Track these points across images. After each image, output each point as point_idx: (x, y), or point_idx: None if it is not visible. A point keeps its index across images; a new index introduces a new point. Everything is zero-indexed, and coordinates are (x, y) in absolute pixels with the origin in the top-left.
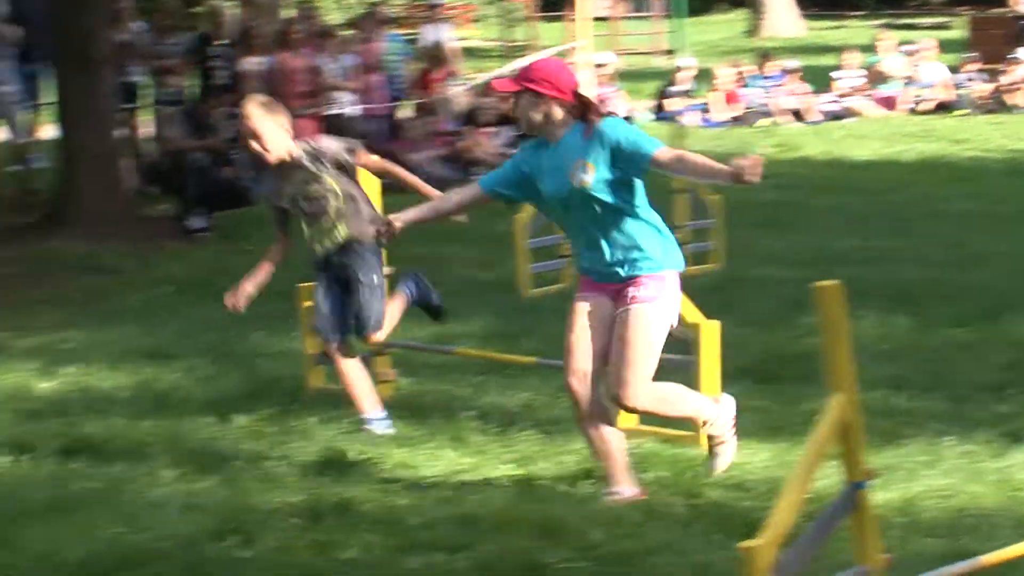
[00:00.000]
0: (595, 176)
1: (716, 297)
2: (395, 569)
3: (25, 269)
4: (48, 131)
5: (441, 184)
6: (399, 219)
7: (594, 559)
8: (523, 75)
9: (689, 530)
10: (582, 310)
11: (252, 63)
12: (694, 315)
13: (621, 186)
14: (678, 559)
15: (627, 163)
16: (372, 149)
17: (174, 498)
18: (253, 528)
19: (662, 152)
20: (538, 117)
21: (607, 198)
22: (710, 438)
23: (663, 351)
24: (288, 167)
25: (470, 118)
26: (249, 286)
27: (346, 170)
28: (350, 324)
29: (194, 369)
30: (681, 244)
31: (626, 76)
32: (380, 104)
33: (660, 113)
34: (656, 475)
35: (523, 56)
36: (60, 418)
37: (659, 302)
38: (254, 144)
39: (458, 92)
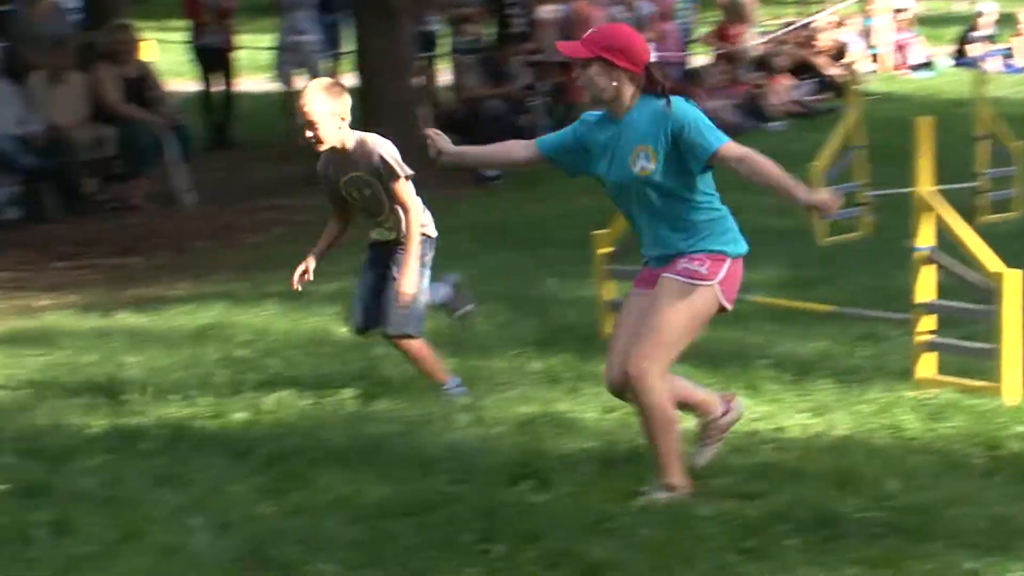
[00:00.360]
0: (656, 165)
1: (1018, 244)
2: (687, 516)
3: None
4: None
5: (731, 131)
6: (446, 153)
7: (889, 510)
8: (595, 41)
9: (988, 482)
10: (627, 306)
11: (548, 11)
12: (995, 264)
13: (683, 173)
14: (977, 511)
15: (687, 151)
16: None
17: (470, 442)
18: (548, 473)
19: (727, 148)
20: (608, 90)
21: (668, 185)
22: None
23: (962, 302)
24: (341, 154)
25: (764, 64)
26: (312, 260)
27: (385, 177)
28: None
29: (492, 315)
30: (982, 192)
31: (926, 21)
32: (675, 53)
33: (961, 59)
34: (954, 425)
35: (821, 6)
36: (359, 361)
37: (706, 284)
38: (308, 131)
39: (754, 41)
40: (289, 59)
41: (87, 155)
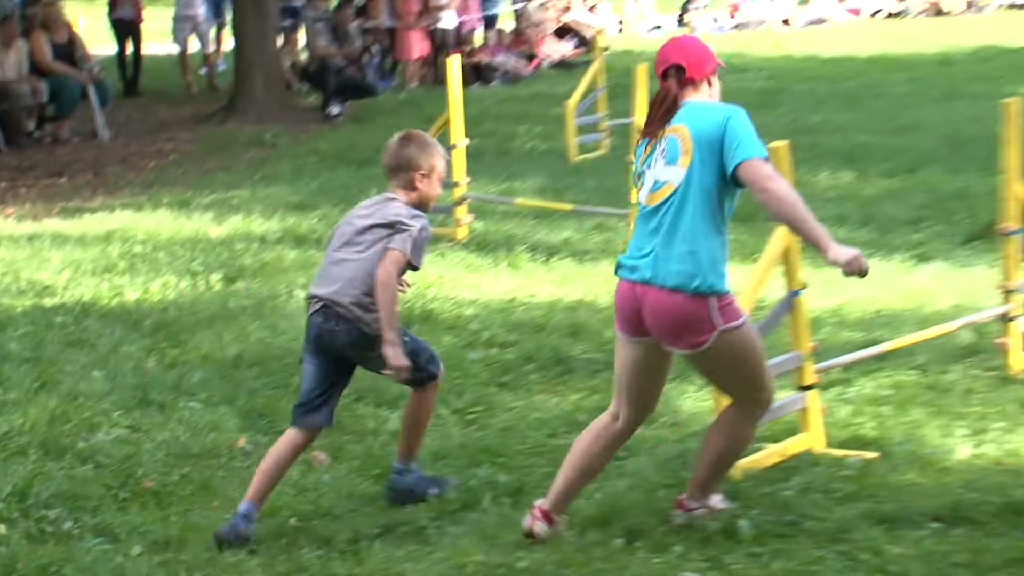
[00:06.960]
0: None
1: None
2: (461, 360)
3: (207, 146)
4: (229, 43)
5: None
6: None
7: (607, 351)
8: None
9: None
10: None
11: None
12: None
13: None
14: None
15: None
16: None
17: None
18: None
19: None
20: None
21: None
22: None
23: None
24: None
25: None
26: None
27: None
28: None
29: (327, 216)
30: None
31: None
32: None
33: (681, 22)
34: None
35: None
36: (226, 254)
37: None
38: None
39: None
40: (183, 27)
41: (27, 102)
